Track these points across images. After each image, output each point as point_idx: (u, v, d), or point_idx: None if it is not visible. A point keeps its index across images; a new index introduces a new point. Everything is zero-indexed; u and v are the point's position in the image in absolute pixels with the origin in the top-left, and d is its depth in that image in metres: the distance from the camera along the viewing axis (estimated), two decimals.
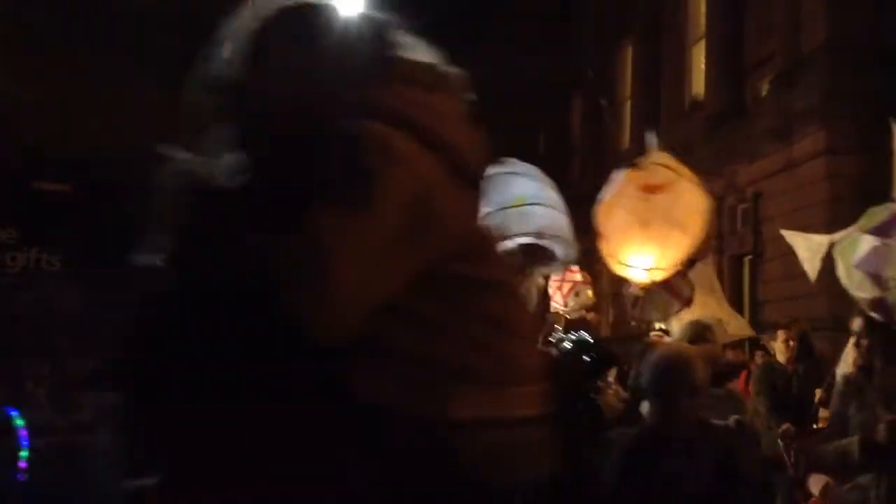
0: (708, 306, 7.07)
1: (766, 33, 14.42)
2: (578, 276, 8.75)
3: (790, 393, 6.21)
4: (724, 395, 4.54)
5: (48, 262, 4.83)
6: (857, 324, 4.26)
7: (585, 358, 4.11)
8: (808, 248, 5.14)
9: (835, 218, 11.90)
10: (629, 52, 21.34)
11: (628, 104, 21.24)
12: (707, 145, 15.66)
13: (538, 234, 3.45)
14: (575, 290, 8.72)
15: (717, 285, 8.25)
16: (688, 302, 6.31)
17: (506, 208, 3.22)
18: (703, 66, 17.00)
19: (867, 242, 4.09)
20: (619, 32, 21.57)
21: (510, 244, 3.26)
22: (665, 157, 6.31)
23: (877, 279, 3.93)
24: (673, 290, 6.18)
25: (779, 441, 5.75)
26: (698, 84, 17.45)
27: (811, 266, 4.88)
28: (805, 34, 12.91)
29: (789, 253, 12.10)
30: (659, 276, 5.59)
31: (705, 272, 7.72)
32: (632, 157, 20.61)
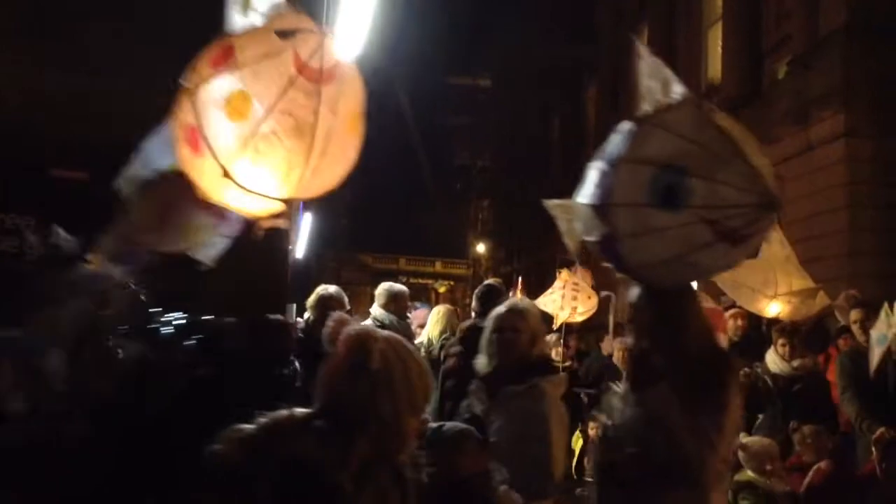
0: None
1: (784, 15, 14.28)
2: None
3: (886, 387, 5.07)
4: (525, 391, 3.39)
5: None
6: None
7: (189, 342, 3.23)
8: (566, 217, 3.16)
9: (853, 201, 11.85)
10: (645, 36, 21.19)
11: None
12: None
13: None
14: None
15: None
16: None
17: None
18: (719, 50, 16.87)
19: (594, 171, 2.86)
20: (635, 16, 21.42)
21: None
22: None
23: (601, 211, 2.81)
24: None
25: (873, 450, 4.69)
26: (714, 67, 17.32)
27: (570, 237, 3.05)
28: (823, 16, 12.77)
29: (808, 238, 12.08)
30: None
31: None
32: None
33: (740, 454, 4.66)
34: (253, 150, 2.54)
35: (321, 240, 22.67)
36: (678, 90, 2.80)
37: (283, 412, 2.22)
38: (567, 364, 9.14)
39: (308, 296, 5.61)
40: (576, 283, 9.23)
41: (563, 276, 9.41)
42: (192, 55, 2.62)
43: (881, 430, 4.67)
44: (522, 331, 3.47)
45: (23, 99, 3.93)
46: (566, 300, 9.06)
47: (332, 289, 5.63)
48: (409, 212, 44.94)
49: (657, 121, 2.74)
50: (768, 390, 5.77)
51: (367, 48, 6.43)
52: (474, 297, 5.52)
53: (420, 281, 44.48)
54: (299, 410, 2.22)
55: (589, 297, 9.28)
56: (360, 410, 2.15)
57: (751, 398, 5.69)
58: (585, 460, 7.86)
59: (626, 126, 2.85)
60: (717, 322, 5.91)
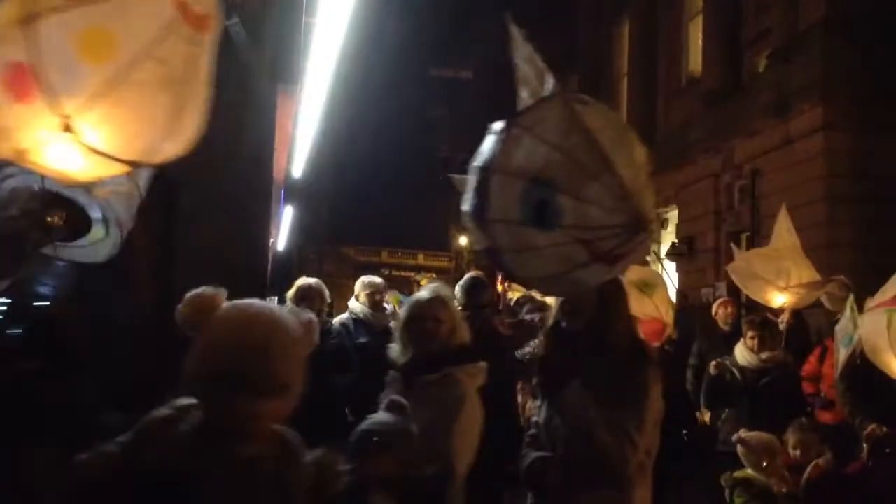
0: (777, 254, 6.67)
1: (763, 8, 14.34)
2: None
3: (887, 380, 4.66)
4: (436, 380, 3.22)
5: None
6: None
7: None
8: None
9: (831, 194, 11.95)
10: (626, 29, 21.22)
11: (625, 81, 21.15)
12: (704, 122, 15.64)
13: None
14: None
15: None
16: None
17: None
18: (700, 43, 16.92)
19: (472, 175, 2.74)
20: (616, 9, 21.44)
21: None
22: None
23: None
24: None
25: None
26: (695, 60, 17.38)
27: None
28: (802, 10, 12.85)
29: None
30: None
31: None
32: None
33: (739, 449, 4.50)
34: (110, 102, 2.02)
35: (302, 232, 22.56)
36: (549, 83, 2.70)
37: (157, 414, 2.02)
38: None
39: (289, 288, 5.59)
40: None
41: None
42: None
43: (872, 426, 4.47)
44: (444, 320, 3.30)
45: None
46: None
47: (311, 281, 5.60)
48: (391, 204, 44.87)
49: (526, 123, 2.64)
50: (735, 384, 5.56)
51: (347, 39, 6.39)
52: (459, 289, 5.43)
53: (402, 273, 44.42)
54: (177, 406, 2.03)
55: None
56: (198, 395, 1.97)
57: (718, 391, 5.63)
58: None
59: (497, 127, 2.71)
60: (652, 329, 5.83)
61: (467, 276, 5.65)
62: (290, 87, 6.86)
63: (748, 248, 14.37)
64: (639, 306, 5.37)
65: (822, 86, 12.09)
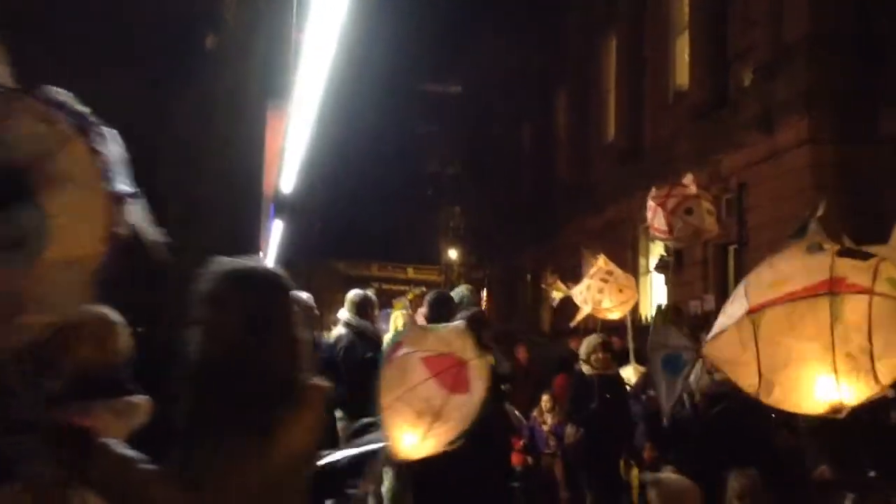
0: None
1: (749, 23, 14.49)
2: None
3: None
4: None
5: None
6: None
7: None
8: None
9: (816, 206, 12.02)
10: (613, 44, 21.39)
11: (612, 95, 21.28)
12: (691, 136, 15.76)
13: None
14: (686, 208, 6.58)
15: None
16: None
17: None
18: (686, 57, 17.07)
19: None
20: (603, 23, 21.61)
21: None
22: None
23: None
24: None
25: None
26: (682, 75, 17.52)
27: None
28: (788, 24, 12.99)
29: (774, 241, 12.19)
30: None
31: None
32: (617, 148, 20.63)
33: (650, 493, 3.81)
34: None
35: (292, 246, 22.53)
36: None
37: None
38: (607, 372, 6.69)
39: None
40: (609, 272, 7.64)
41: (599, 262, 7.77)
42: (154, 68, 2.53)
43: (821, 468, 4.05)
44: None
45: None
46: (591, 291, 7.56)
47: (300, 295, 5.60)
48: (381, 218, 44.87)
49: None
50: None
51: (336, 54, 6.42)
52: (426, 303, 5.30)
53: (392, 287, 44.37)
54: None
55: (620, 291, 7.56)
56: None
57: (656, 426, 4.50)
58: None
59: None
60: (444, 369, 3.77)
61: (435, 291, 5.62)
62: (279, 103, 6.89)
63: (735, 261, 14.47)
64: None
65: (808, 99, 12.22)
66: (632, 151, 18.77)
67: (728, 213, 14.72)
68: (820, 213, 3.42)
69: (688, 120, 16.00)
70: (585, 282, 7.69)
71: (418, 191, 45.85)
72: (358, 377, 5.30)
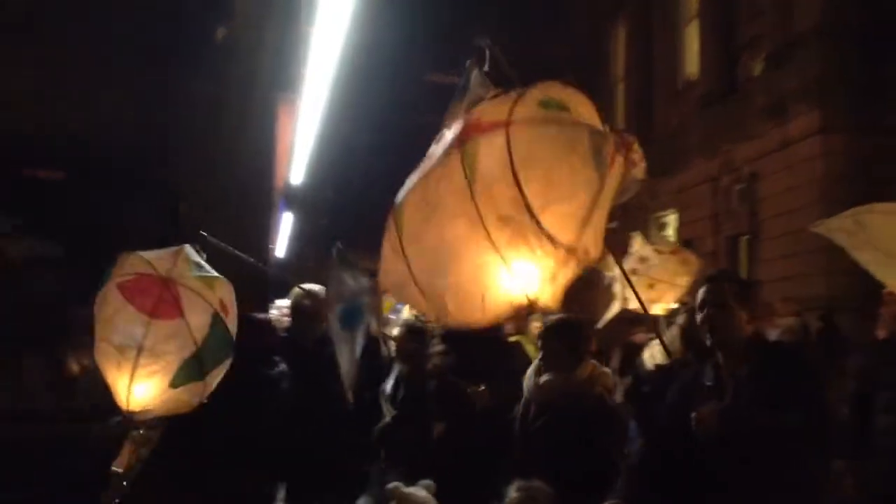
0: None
1: (759, 12, 14.39)
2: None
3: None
4: None
5: (48, 250, 4.79)
6: None
7: None
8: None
9: (828, 196, 11.96)
10: (622, 32, 21.27)
11: (621, 84, 21.19)
12: (701, 125, 15.67)
13: None
14: None
15: None
16: None
17: None
18: (696, 46, 16.96)
19: None
20: (612, 12, 21.49)
21: None
22: None
23: None
24: None
25: None
26: (692, 63, 17.41)
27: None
28: (798, 12, 12.89)
29: (786, 232, 12.18)
30: None
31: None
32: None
33: None
34: None
35: (302, 239, 22.58)
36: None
37: None
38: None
39: (287, 294, 5.58)
40: (643, 258, 6.40)
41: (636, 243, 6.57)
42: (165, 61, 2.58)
43: None
44: None
45: None
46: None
47: (310, 287, 5.57)
48: (390, 210, 44.98)
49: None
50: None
51: (345, 47, 6.41)
52: None
53: None
54: None
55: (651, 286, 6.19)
56: None
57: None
58: None
59: None
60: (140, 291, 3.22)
61: None
62: (289, 96, 6.89)
63: (748, 252, 14.41)
64: None
65: (819, 88, 12.12)
66: (641, 141, 18.58)
67: (740, 203, 14.65)
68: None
69: (698, 109, 15.90)
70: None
71: None
72: None
